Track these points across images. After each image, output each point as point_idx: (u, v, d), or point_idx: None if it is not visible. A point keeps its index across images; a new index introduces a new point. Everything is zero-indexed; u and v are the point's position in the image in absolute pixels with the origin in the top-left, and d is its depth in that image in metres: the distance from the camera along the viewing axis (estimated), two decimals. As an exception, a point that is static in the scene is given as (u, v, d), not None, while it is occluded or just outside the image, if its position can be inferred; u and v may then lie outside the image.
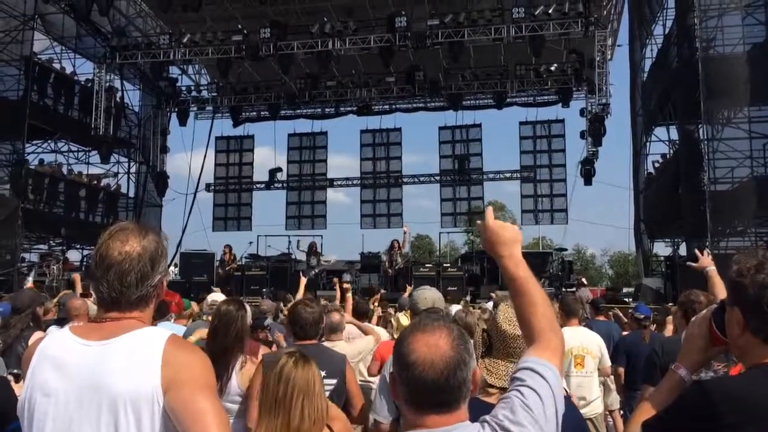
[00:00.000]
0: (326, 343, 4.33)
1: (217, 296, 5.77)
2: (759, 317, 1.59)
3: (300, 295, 6.47)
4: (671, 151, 18.20)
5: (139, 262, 1.72)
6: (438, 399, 1.42)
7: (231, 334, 3.47)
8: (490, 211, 1.79)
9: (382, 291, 10.23)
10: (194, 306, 7.03)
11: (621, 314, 8.53)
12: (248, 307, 3.84)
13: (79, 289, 6.84)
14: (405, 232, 17.30)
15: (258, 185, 24.63)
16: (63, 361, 1.67)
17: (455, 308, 6.03)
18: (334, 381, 3.45)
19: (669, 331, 5.95)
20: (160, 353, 1.64)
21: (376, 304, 8.57)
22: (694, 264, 3.74)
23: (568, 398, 2.46)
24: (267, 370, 3.34)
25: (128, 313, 1.73)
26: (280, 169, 24.13)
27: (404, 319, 5.54)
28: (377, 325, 6.74)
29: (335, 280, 8.59)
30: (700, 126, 14.46)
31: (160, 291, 1.80)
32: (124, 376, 1.62)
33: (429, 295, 4.19)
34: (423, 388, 1.42)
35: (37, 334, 4.00)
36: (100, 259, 1.73)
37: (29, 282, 11.46)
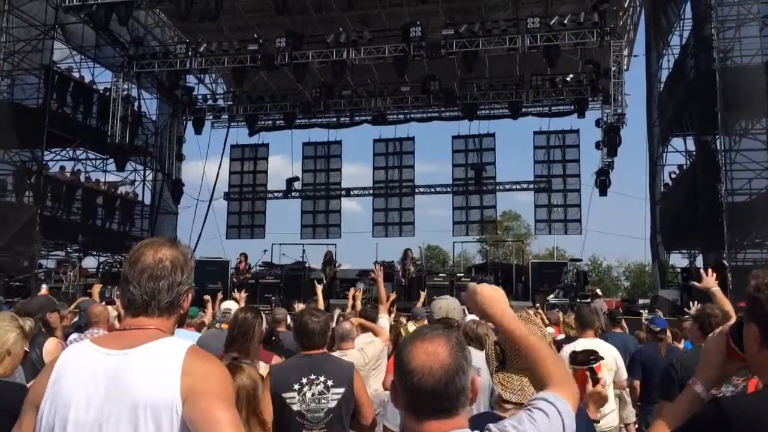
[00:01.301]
0: (337, 353, 4.33)
1: (230, 304, 5.79)
2: None
3: (320, 304, 6.48)
4: (688, 162, 18.05)
5: (171, 270, 1.79)
6: (437, 406, 1.47)
7: (248, 342, 3.49)
8: (473, 286, 1.87)
9: (393, 295, 10.17)
10: (208, 314, 7.04)
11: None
12: (263, 315, 3.86)
13: (96, 299, 6.90)
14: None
15: (273, 194, 24.75)
16: (84, 370, 1.69)
17: (468, 318, 5.98)
18: (341, 389, 3.44)
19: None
20: (180, 363, 1.67)
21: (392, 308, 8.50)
22: (698, 284, 3.71)
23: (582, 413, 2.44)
24: (275, 380, 3.36)
25: (154, 320, 1.77)
26: (297, 179, 24.23)
27: (413, 329, 5.51)
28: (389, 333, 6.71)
29: (351, 290, 8.60)
30: (717, 137, 14.35)
31: (184, 303, 1.85)
32: (144, 385, 1.64)
33: (444, 305, 4.16)
34: (422, 394, 1.46)
35: (51, 341, 4.02)
36: (134, 262, 1.79)
37: (44, 289, 11.57)
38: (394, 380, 1.55)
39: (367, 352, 4.76)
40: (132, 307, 1.78)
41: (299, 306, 8.37)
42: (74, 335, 5.31)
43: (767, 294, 1.59)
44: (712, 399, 1.69)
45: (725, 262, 13.38)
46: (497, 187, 23.33)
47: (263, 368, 3.57)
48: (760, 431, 1.47)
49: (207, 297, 7.48)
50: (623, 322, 7.73)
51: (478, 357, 3.64)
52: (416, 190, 23.94)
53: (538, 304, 13.11)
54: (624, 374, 5.39)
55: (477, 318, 6.23)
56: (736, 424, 1.48)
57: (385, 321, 5.58)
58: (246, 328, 3.54)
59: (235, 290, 9.65)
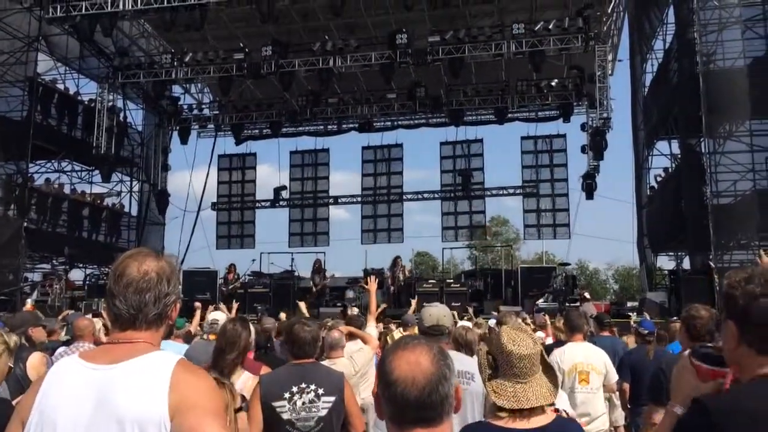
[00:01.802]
0: (326, 361, 4.31)
1: (218, 315, 5.75)
2: (751, 328, 1.61)
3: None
4: (673, 165, 18.20)
5: (157, 282, 1.75)
6: (421, 415, 1.46)
7: (235, 352, 3.48)
8: None
9: (384, 305, 10.19)
10: (194, 323, 6.99)
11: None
12: (252, 326, 3.84)
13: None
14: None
15: (261, 203, 24.69)
16: (71, 385, 1.67)
17: (460, 324, 5.96)
18: (332, 399, 3.43)
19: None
20: (168, 378, 1.63)
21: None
22: None
23: (574, 421, 2.45)
24: (265, 389, 3.34)
25: (142, 333, 1.74)
26: (284, 188, 24.19)
27: (399, 336, 5.51)
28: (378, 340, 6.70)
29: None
30: (701, 140, 14.48)
31: (172, 313, 1.82)
32: (131, 400, 1.61)
33: (434, 312, 4.14)
34: (406, 404, 1.45)
35: (35, 355, 3.98)
36: (119, 276, 1.75)
37: (29, 304, 11.46)
38: (377, 390, 1.54)
39: (357, 361, 4.74)
40: (119, 321, 1.75)
41: (284, 316, 8.34)
42: (61, 349, 5.26)
43: (741, 290, 1.63)
44: (694, 399, 1.72)
45: (711, 263, 13.49)
46: (486, 193, 23.39)
47: (251, 379, 3.54)
48: (737, 422, 1.50)
49: (198, 304, 7.41)
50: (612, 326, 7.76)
51: (469, 363, 3.64)
52: (405, 197, 23.97)
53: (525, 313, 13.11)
54: (613, 377, 5.39)
55: (468, 324, 6.24)
56: (716, 418, 1.52)
57: (373, 329, 5.56)
58: (234, 339, 3.53)
59: (224, 302, 9.60)
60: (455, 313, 10.28)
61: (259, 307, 15.10)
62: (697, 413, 1.58)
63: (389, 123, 23.12)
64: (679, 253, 19.02)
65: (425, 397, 1.44)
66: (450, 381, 1.49)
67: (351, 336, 5.50)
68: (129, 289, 1.73)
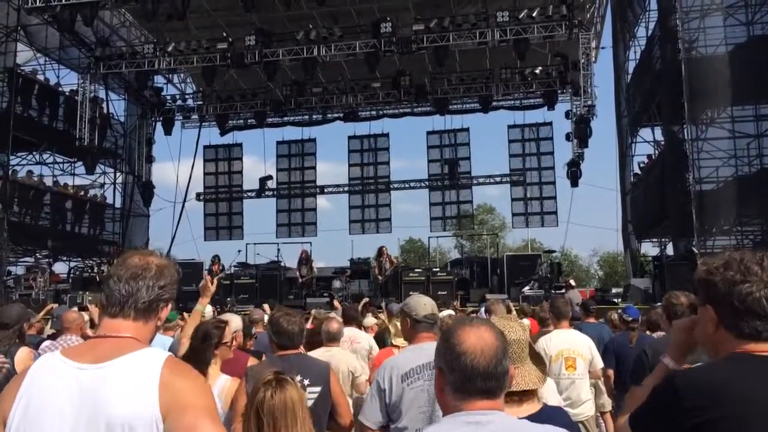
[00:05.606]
0: (322, 349, 4.40)
1: (207, 309, 5.72)
2: (731, 313, 1.67)
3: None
4: (656, 152, 18.33)
5: (155, 273, 1.79)
6: (486, 386, 1.60)
7: (208, 343, 3.42)
8: None
9: (366, 299, 10.20)
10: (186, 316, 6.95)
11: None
12: (236, 318, 3.81)
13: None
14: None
15: (248, 194, 24.58)
16: (55, 386, 1.62)
17: (444, 313, 6.01)
18: (318, 389, 3.44)
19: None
20: (157, 377, 1.60)
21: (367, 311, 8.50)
22: None
23: (561, 409, 2.48)
24: (252, 381, 3.32)
25: (130, 322, 1.73)
26: (270, 177, 24.09)
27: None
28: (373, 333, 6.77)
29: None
30: (684, 126, 14.59)
31: (162, 313, 1.81)
32: (121, 401, 1.58)
33: (428, 302, 4.13)
34: (474, 374, 1.60)
35: (23, 350, 3.95)
36: (121, 262, 1.83)
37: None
38: (439, 365, 1.67)
39: (350, 362, 4.76)
40: (110, 304, 1.74)
41: (267, 308, 8.32)
42: (47, 343, 5.20)
43: (720, 276, 1.69)
44: (669, 373, 1.80)
45: (695, 249, 13.64)
46: (473, 181, 23.45)
47: (230, 381, 3.47)
48: (704, 396, 1.57)
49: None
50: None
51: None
52: (392, 186, 23.94)
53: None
54: (599, 364, 5.45)
55: (452, 312, 6.27)
56: (684, 393, 1.59)
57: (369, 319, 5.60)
58: (206, 333, 3.48)
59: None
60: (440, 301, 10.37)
61: (229, 299, 15.03)
62: (666, 386, 1.66)
63: (374, 112, 23.05)
64: (663, 240, 19.20)
65: (492, 368, 1.60)
66: (507, 358, 1.65)
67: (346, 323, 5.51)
68: (127, 273, 1.77)
